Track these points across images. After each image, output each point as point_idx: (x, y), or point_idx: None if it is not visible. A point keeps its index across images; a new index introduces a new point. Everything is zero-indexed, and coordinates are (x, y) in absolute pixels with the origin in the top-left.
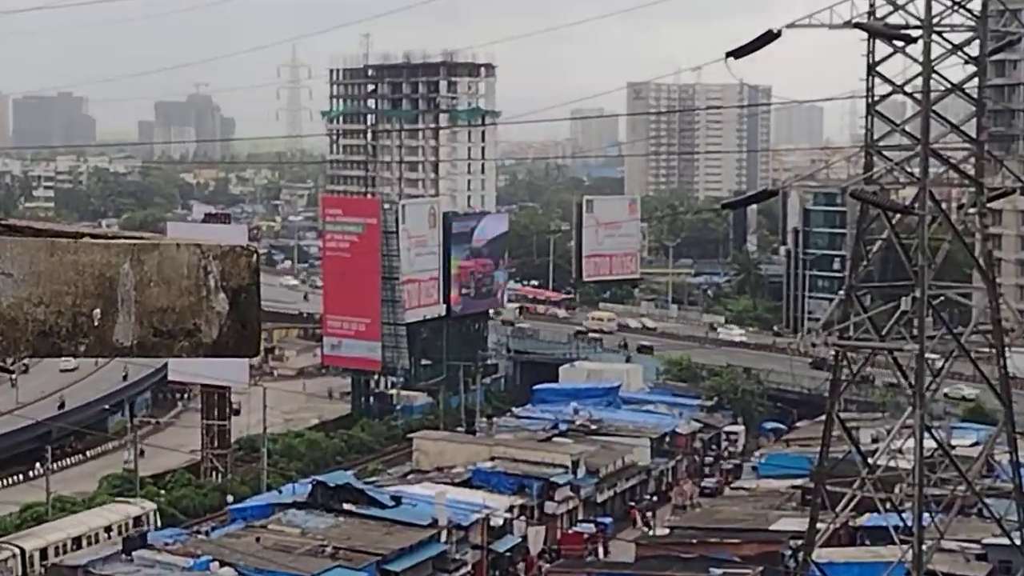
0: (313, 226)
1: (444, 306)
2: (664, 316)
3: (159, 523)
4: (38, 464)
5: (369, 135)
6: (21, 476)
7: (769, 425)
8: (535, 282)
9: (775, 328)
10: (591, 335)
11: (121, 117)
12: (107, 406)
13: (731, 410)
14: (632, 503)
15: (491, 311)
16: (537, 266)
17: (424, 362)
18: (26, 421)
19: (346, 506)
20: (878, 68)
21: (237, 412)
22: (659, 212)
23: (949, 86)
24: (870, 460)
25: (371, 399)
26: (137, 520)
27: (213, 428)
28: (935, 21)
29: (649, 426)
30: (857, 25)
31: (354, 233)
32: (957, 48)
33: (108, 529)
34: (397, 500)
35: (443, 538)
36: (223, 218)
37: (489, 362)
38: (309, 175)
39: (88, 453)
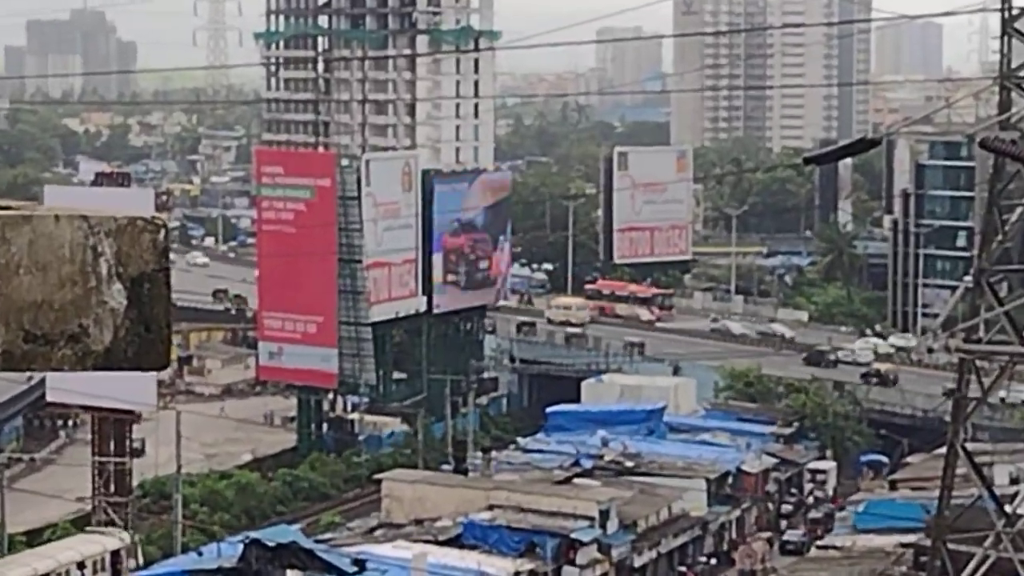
0: (244, 190)
1: (424, 299)
2: (725, 311)
3: (141, 560)
4: None
5: (320, 65)
6: None
7: (869, 458)
8: (548, 266)
9: (877, 327)
10: (566, 329)
11: None
12: None
13: (818, 440)
14: (683, 567)
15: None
16: (551, 244)
17: (397, 376)
18: None
19: (291, 573)
20: None
21: (140, 452)
22: (719, 169)
23: None
24: (1008, 507)
25: (325, 427)
26: (116, 556)
27: (108, 468)
28: None
29: (705, 462)
30: None
31: (300, 199)
32: None
33: (81, 566)
34: (360, 565)
35: None
36: (121, 179)
37: (486, 375)
38: (239, 120)
39: None
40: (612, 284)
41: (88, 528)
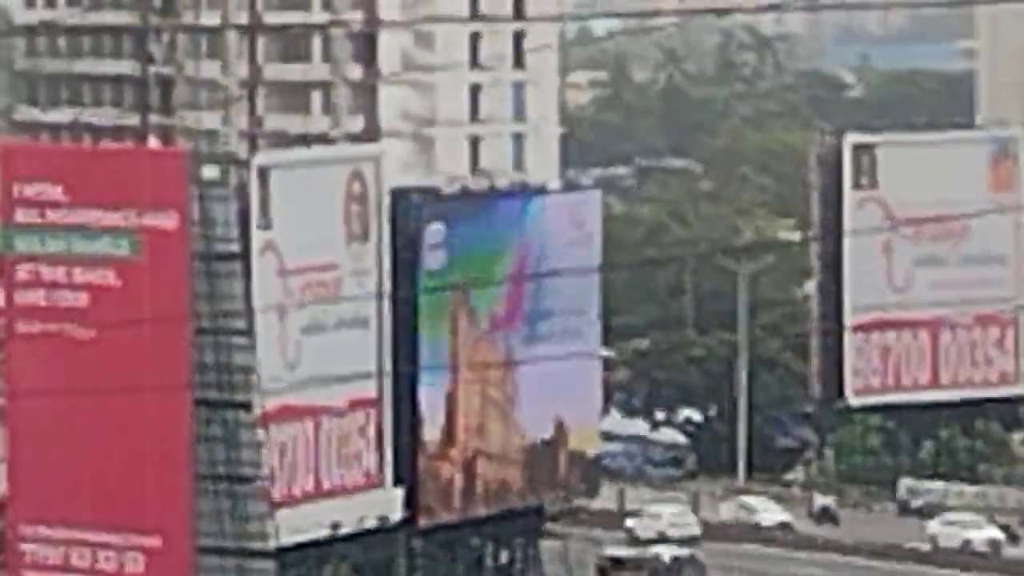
0: None
1: (398, 493)
2: None
3: None
4: None
5: None
6: None
7: None
8: (691, 413)
9: None
10: None
11: None
12: None
13: None
14: None
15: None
16: (697, 364)
17: None
18: None
19: None
20: None
21: None
22: None
23: None
24: None
25: None
26: None
27: None
28: None
29: None
30: None
31: (105, 261)
32: None
33: None
34: None
35: None
36: None
37: None
38: None
39: None
40: None
41: None
